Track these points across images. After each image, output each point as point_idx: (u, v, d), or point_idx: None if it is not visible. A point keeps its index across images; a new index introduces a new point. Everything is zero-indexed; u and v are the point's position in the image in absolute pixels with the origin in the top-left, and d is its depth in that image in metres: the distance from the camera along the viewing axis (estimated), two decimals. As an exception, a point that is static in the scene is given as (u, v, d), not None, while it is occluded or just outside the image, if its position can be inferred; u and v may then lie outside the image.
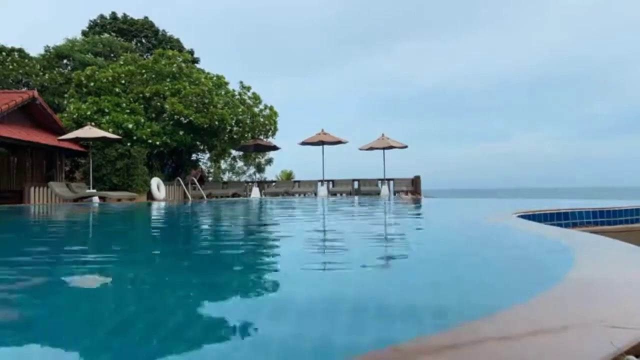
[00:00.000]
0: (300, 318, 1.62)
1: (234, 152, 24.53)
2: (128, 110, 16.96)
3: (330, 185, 18.13)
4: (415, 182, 17.53)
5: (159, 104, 17.31)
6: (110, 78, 17.43)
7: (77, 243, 4.54)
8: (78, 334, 1.53)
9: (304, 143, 18.60)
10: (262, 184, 19.89)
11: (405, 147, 18.21)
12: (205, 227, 6.41)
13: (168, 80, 17.83)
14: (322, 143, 18.34)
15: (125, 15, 27.74)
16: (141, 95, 17.55)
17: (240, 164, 30.35)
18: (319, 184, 17.92)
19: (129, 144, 16.28)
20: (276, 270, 2.76)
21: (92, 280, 2.40)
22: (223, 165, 30.17)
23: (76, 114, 16.51)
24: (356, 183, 18.08)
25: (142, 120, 16.96)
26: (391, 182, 17.85)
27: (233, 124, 18.49)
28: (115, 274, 2.63)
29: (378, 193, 17.14)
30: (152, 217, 8.31)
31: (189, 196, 16.98)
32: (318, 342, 1.35)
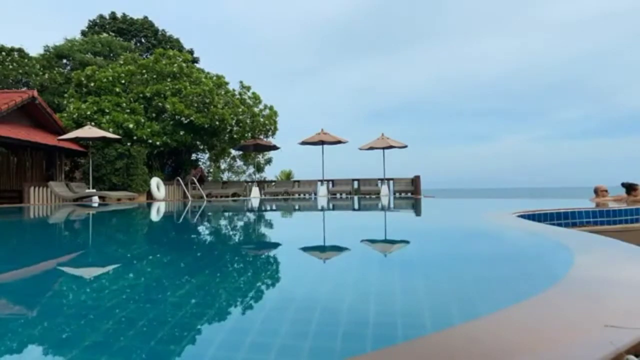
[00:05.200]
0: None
1: (233, 152, 24.54)
2: (128, 110, 16.96)
3: (330, 185, 18.14)
4: (415, 181, 17.55)
5: (159, 103, 17.30)
6: (110, 78, 17.44)
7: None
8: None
9: (303, 143, 18.60)
10: (261, 183, 19.88)
11: (405, 146, 18.23)
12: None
13: (169, 80, 17.83)
14: (322, 143, 18.34)
15: (124, 15, 27.77)
16: (141, 95, 17.55)
17: (239, 163, 30.36)
18: (319, 183, 17.93)
19: (129, 143, 16.28)
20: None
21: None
22: (222, 165, 30.18)
23: (76, 114, 16.51)
24: (356, 183, 18.10)
25: (142, 120, 16.96)
26: (391, 182, 17.87)
27: (233, 123, 18.50)
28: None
29: (378, 193, 17.16)
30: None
31: (189, 196, 16.97)
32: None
